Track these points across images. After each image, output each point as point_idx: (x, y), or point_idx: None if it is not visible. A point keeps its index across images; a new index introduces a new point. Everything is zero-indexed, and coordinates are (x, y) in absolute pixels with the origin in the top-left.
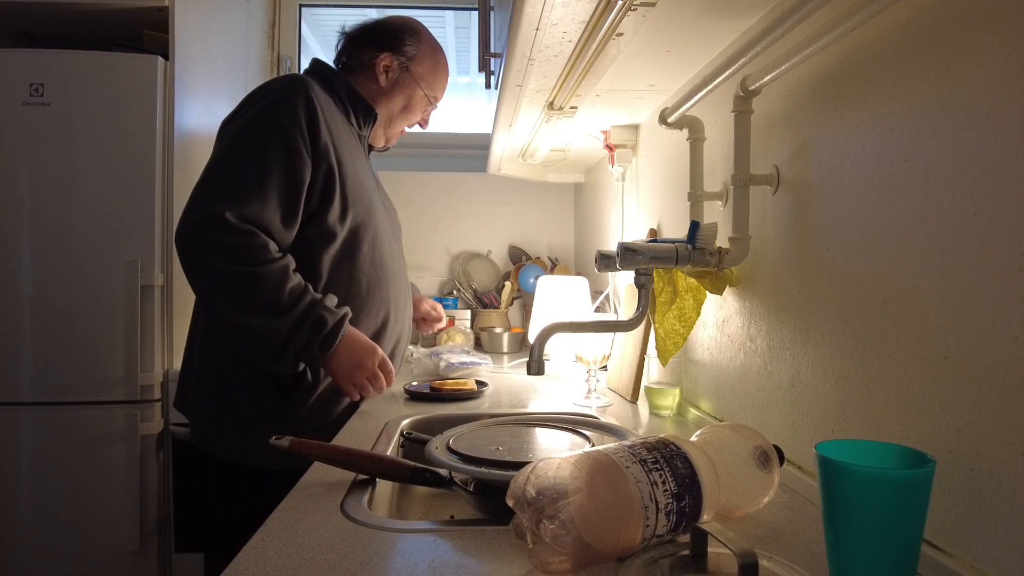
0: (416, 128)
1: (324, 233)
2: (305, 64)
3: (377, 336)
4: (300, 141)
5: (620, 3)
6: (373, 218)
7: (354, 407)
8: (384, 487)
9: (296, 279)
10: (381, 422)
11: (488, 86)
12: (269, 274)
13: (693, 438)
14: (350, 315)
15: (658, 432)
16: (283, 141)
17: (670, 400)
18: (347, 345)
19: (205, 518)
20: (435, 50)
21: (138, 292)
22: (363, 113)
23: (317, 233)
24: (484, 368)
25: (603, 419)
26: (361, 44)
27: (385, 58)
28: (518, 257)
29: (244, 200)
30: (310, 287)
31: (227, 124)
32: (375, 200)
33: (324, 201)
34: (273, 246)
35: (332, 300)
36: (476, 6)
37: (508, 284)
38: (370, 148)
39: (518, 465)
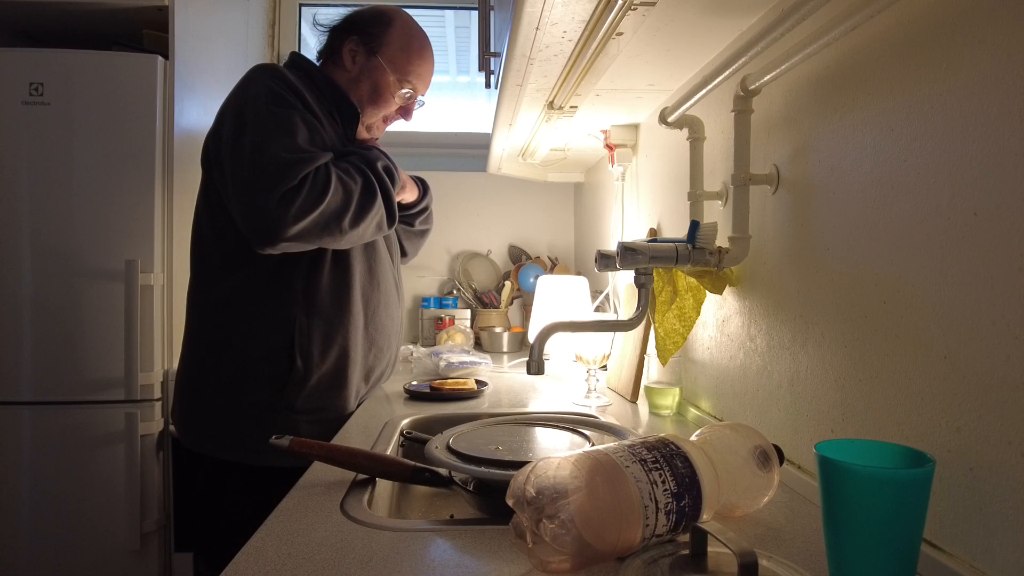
0: (408, 127)
1: None
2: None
3: (360, 338)
4: (310, 115)
5: (620, 3)
6: None
7: (352, 398)
8: (384, 487)
9: (337, 169)
10: (381, 422)
11: (488, 86)
12: (337, 188)
13: (693, 438)
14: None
15: (658, 432)
16: (300, 116)
17: (670, 400)
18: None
19: (199, 517)
20: (410, 35)
21: (138, 292)
22: (348, 114)
23: None
24: (484, 368)
25: (603, 419)
26: (333, 31)
27: (351, 42)
28: (518, 257)
29: (292, 167)
30: (335, 165)
31: (223, 113)
32: None
33: None
34: (313, 158)
35: (358, 155)
36: (476, 6)
37: (508, 284)
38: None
39: (518, 465)
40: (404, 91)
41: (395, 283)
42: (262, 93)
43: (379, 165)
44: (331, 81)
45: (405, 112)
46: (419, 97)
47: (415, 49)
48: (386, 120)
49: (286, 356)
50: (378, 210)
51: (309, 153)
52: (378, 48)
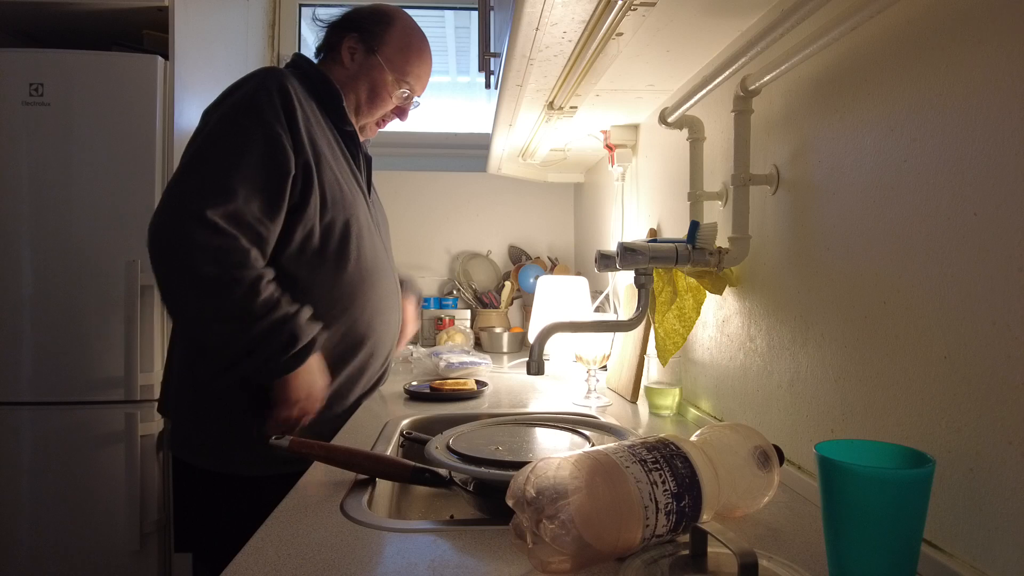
0: (409, 127)
1: (303, 230)
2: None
3: (363, 338)
4: (281, 132)
5: (620, 3)
6: (355, 214)
7: (335, 412)
8: (384, 487)
9: (270, 290)
10: (381, 422)
11: (488, 86)
12: (243, 280)
13: (693, 438)
14: (322, 337)
15: (658, 432)
16: (264, 133)
17: (670, 400)
18: (309, 368)
19: (192, 523)
20: (409, 35)
21: (138, 292)
22: (337, 110)
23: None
24: (484, 368)
25: (603, 419)
26: (332, 27)
27: (351, 40)
28: (518, 257)
29: (227, 196)
30: (286, 300)
31: (207, 115)
32: (357, 196)
33: (303, 196)
34: (255, 254)
35: (306, 314)
36: (476, 6)
37: (508, 284)
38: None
39: (518, 465)
40: (401, 91)
41: (394, 284)
42: (239, 101)
43: (285, 335)
44: (325, 79)
45: (401, 112)
46: (415, 98)
47: (414, 50)
48: (381, 121)
49: None
50: (230, 339)
51: (233, 236)
52: (377, 47)
